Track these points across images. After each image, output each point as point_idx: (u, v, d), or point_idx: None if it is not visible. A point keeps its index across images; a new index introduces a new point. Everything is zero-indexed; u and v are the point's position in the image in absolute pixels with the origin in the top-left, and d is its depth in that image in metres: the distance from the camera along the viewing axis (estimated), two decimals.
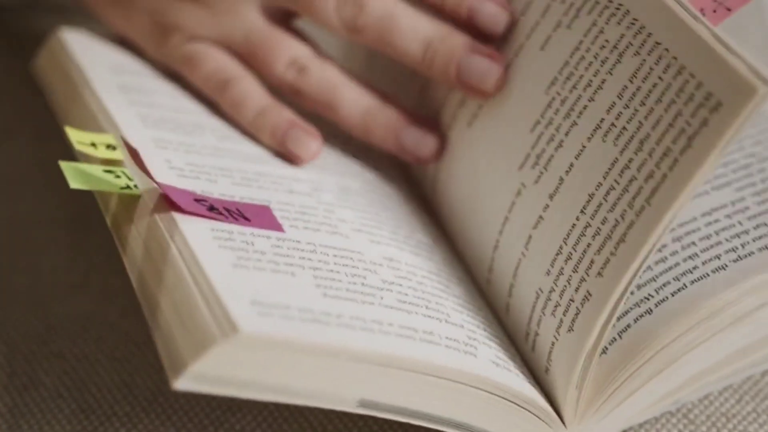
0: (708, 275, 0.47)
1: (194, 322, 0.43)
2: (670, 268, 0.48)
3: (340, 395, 0.44)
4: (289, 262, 0.46)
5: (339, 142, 0.56)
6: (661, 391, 0.48)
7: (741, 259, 0.47)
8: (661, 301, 0.47)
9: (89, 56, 0.55)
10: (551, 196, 0.48)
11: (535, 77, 0.50)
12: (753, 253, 0.47)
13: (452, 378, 0.45)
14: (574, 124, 0.47)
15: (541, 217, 0.48)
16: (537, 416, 0.47)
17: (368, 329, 0.45)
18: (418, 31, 0.53)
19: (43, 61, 0.56)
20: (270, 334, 0.42)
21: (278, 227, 0.48)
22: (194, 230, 0.46)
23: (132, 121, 0.52)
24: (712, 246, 0.48)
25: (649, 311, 0.47)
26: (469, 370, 0.46)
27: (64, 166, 0.46)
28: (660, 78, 0.45)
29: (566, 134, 0.48)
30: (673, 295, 0.47)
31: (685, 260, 0.48)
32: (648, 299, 0.47)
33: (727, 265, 0.47)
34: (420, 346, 0.45)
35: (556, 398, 0.48)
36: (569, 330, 0.46)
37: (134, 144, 0.49)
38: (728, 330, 0.47)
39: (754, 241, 0.48)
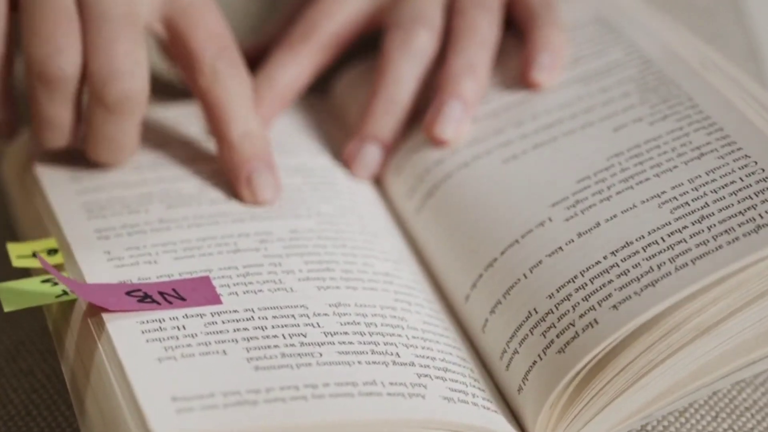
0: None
1: (115, 427, 0.44)
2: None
3: None
4: (221, 339, 0.47)
5: (298, 177, 0.56)
6: (628, 408, 0.48)
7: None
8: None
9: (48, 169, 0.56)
10: (580, 235, 0.50)
11: (598, 148, 0.53)
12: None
13: (396, 428, 0.45)
14: (630, 188, 0.51)
15: (560, 248, 0.50)
16: None
17: (300, 397, 0.45)
18: (249, 120, 0.54)
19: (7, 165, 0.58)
20: None
21: (216, 300, 0.48)
22: (121, 328, 0.47)
23: (76, 214, 0.53)
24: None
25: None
26: (414, 415, 0.46)
27: (2, 289, 0.47)
28: (740, 179, 0.49)
29: (617, 193, 0.51)
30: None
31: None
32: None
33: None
34: (359, 402, 0.45)
35: (525, 419, 0.48)
36: (559, 352, 0.47)
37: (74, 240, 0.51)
38: (693, 344, 0.47)
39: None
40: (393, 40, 0.59)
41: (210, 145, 0.58)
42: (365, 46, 0.62)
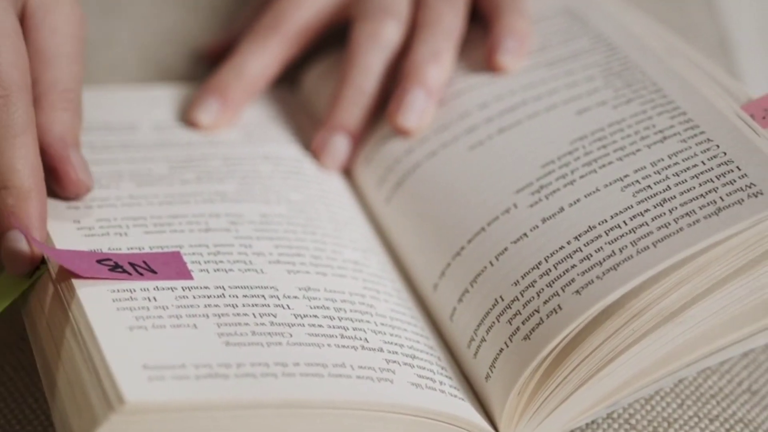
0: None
1: (85, 398, 0.43)
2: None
3: None
4: (192, 314, 0.47)
5: (268, 165, 0.56)
6: (595, 395, 0.48)
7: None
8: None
9: None
10: (544, 220, 0.50)
11: (562, 131, 0.53)
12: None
13: (364, 409, 0.45)
14: (593, 171, 0.51)
15: (525, 234, 0.50)
16: (465, 430, 0.47)
17: (271, 374, 0.45)
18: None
19: None
20: (159, 400, 0.43)
21: (187, 275, 0.48)
22: (92, 295, 0.46)
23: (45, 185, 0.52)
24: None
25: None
26: (382, 399, 0.46)
27: None
28: (702, 162, 0.49)
29: (581, 177, 0.51)
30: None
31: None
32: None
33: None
34: (328, 382, 0.45)
35: (493, 407, 0.48)
36: (525, 338, 0.47)
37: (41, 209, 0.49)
38: (657, 331, 0.47)
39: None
40: (360, 31, 0.59)
41: (180, 129, 0.58)
42: (334, 39, 0.63)
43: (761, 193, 0.47)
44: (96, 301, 0.46)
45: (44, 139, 0.49)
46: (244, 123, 0.59)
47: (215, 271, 0.49)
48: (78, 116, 0.50)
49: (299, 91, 0.63)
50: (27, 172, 0.47)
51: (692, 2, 0.69)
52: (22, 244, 0.47)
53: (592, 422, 0.50)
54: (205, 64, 0.65)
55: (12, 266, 0.48)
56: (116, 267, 0.48)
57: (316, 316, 0.48)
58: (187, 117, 0.58)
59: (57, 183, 0.50)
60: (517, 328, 0.48)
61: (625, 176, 0.50)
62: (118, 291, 0.47)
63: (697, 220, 0.47)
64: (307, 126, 0.61)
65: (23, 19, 0.50)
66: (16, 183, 0.47)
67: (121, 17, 0.68)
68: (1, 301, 0.48)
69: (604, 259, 0.47)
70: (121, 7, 0.68)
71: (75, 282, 0.47)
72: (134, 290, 0.47)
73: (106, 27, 0.67)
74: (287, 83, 0.63)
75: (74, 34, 0.50)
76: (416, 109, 0.57)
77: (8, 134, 0.47)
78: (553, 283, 0.48)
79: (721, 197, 0.47)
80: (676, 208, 0.48)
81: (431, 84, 0.57)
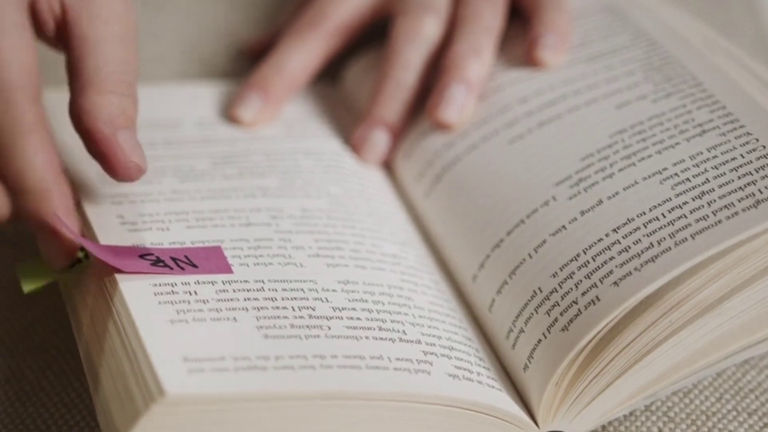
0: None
1: (127, 391, 0.44)
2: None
3: None
4: (232, 307, 0.47)
5: (309, 160, 0.57)
6: (633, 386, 0.48)
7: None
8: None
9: None
10: (583, 213, 0.50)
11: (601, 125, 0.53)
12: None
13: (401, 400, 0.46)
14: (633, 165, 0.51)
15: (564, 227, 0.50)
16: (504, 421, 0.47)
17: (309, 366, 0.45)
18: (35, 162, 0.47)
19: None
20: (199, 392, 0.43)
21: (227, 269, 0.49)
22: (134, 289, 0.47)
23: (90, 181, 0.53)
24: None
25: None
26: (419, 390, 0.46)
27: (21, 269, 0.48)
28: (741, 155, 0.49)
29: (620, 170, 0.51)
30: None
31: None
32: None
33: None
34: (366, 374, 0.46)
35: (531, 398, 0.48)
36: (563, 330, 0.47)
37: (87, 204, 0.51)
38: (695, 322, 0.47)
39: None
40: (400, 26, 0.60)
41: (223, 126, 0.58)
42: (375, 35, 0.63)
43: None
44: (138, 294, 0.47)
45: (92, 124, 0.48)
46: (286, 118, 0.60)
47: (255, 265, 0.50)
48: (130, 98, 0.49)
49: (341, 87, 0.63)
50: (39, 172, 0.46)
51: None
52: (54, 244, 0.47)
53: (630, 414, 0.50)
54: (247, 60, 0.66)
55: (52, 262, 0.48)
56: (158, 261, 0.48)
57: (354, 309, 0.49)
58: (229, 113, 0.59)
59: (107, 167, 0.49)
60: (556, 320, 0.48)
61: (664, 169, 0.50)
62: (160, 285, 0.47)
63: (736, 213, 0.47)
64: (347, 121, 0.61)
65: (64, 12, 0.50)
66: (31, 186, 0.46)
67: (165, 11, 0.69)
68: (36, 280, 0.48)
69: (642, 251, 0.47)
70: (165, 1, 0.69)
71: (117, 276, 0.47)
72: (175, 284, 0.48)
73: (150, 21, 0.68)
74: (329, 79, 0.63)
75: (118, 19, 0.50)
76: (456, 104, 0.57)
77: (12, 137, 0.46)
78: (592, 274, 0.48)
79: (759, 190, 0.48)
80: (715, 200, 0.48)
81: (471, 79, 0.57)
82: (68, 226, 0.47)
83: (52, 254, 0.48)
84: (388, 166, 0.59)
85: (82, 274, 0.49)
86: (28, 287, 0.48)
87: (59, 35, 0.50)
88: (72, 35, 0.49)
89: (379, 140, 0.59)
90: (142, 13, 0.69)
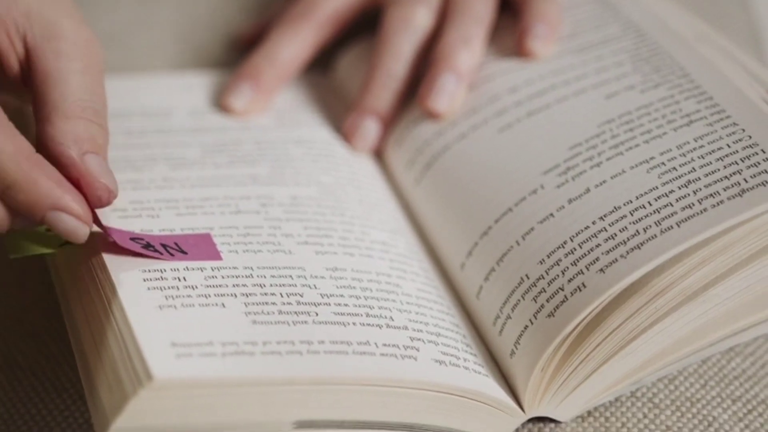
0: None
1: (115, 375, 0.44)
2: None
3: (274, 421, 0.45)
4: (220, 293, 0.47)
5: (300, 148, 0.57)
6: (618, 373, 0.49)
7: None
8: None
9: None
10: (570, 201, 0.50)
11: (590, 115, 0.54)
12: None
13: (388, 385, 0.46)
14: (620, 153, 0.51)
15: (551, 215, 0.50)
16: (490, 406, 0.48)
17: (296, 352, 0.45)
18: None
19: None
20: (187, 377, 0.44)
21: (216, 256, 0.49)
22: (124, 274, 0.47)
23: None
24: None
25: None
26: (405, 375, 0.46)
27: (8, 237, 0.48)
28: (728, 145, 0.50)
29: (608, 159, 0.51)
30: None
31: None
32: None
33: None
34: (352, 359, 0.46)
35: (517, 383, 0.49)
36: (549, 316, 0.48)
37: None
38: (680, 309, 0.48)
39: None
40: (391, 16, 0.60)
41: (214, 115, 0.59)
42: (367, 25, 0.63)
43: None
44: (127, 280, 0.47)
45: (57, 149, 0.47)
46: (277, 108, 0.60)
47: (244, 252, 0.50)
48: (98, 125, 0.49)
49: (332, 76, 0.64)
50: (14, 161, 0.45)
51: None
52: (64, 219, 0.47)
53: (616, 400, 0.50)
54: (240, 50, 0.66)
55: (71, 237, 0.47)
56: (148, 246, 0.49)
57: (342, 296, 0.49)
58: (220, 103, 0.59)
59: (79, 190, 0.48)
60: (542, 306, 0.48)
61: (651, 158, 0.50)
62: (149, 271, 0.48)
63: (721, 201, 0.47)
64: (339, 110, 0.61)
65: (27, 51, 0.49)
66: (14, 177, 0.45)
67: (161, 1, 0.69)
68: (26, 249, 0.48)
69: (628, 239, 0.48)
70: None
71: (108, 261, 0.48)
72: (164, 270, 0.48)
73: (144, 10, 0.68)
74: (320, 68, 0.64)
75: (82, 55, 0.49)
76: (446, 93, 0.57)
77: None
78: (578, 261, 0.48)
79: (745, 179, 0.48)
80: (701, 189, 0.48)
81: (462, 68, 0.58)
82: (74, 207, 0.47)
83: (70, 225, 0.47)
84: (378, 154, 0.60)
85: (71, 259, 0.49)
86: (14, 254, 0.48)
87: (24, 76, 0.50)
88: (37, 72, 0.49)
89: (370, 129, 0.59)
90: (135, 2, 0.69)
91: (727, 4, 0.69)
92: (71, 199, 0.47)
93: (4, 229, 0.47)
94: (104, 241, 0.48)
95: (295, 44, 0.61)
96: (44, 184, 0.46)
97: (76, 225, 0.47)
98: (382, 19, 0.61)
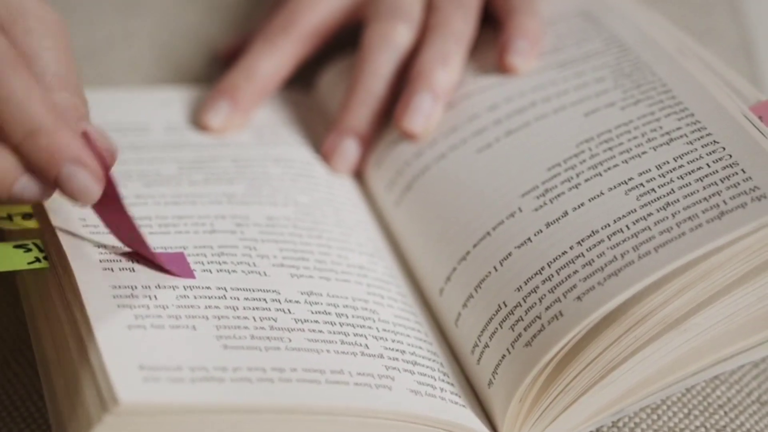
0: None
1: (80, 398, 0.43)
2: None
3: None
4: (191, 314, 0.46)
5: (278, 167, 0.56)
6: (598, 403, 0.47)
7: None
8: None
9: None
10: (548, 225, 0.49)
11: (569, 133, 0.53)
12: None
13: (361, 416, 0.45)
14: (599, 175, 0.50)
15: (529, 239, 0.49)
16: None
17: (267, 379, 0.45)
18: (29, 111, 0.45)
19: None
20: (153, 402, 0.43)
21: (189, 274, 0.48)
22: (93, 289, 0.46)
23: None
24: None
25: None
26: (379, 406, 0.45)
27: None
28: (707, 165, 0.48)
29: (586, 180, 0.50)
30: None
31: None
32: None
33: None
34: (325, 388, 0.45)
35: (495, 414, 0.48)
36: (527, 345, 0.47)
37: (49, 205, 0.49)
38: (660, 339, 0.46)
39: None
40: (372, 33, 0.59)
41: (191, 131, 0.58)
42: (350, 41, 0.62)
43: (765, 197, 0.46)
44: (96, 296, 0.46)
45: None
46: (256, 125, 0.59)
47: (218, 271, 0.49)
48: (79, 97, 0.48)
49: (314, 94, 0.63)
50: (40, 108, 0.45)
51: (716, 6, 0.68)
52: (80, 175, 0.45)
53: (597, 430, 0.49)
54: (221, 65, 0.65)
55: (82, 197, 0.46)
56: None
57: (316, 322, 0.48)
58: (197, 119, 0.58)
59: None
60: (519, 335, 0.47)
61: (630, 179, 0.49)
62: (119, 288, 0.47)
63: (700, 225, 0.46)
64: (320, 128, 0.60)
65: None
66: (39, 122, 0.44)
67: (141, 15, 0.68)
68: None
69: (605, 265, 0.46)
70: (141, 5, 0.69)
71: (77, 275, 0.46)
72: (135, 287, 0.47)
73: (125, 25, 0.67)
74: (301, 85, 0.63)
75: (53, 33, 0.49)
76: (422, 113, 0.56)
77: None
78: (555, 288, 0.47)
79: (724, 201, 0.47)
80: (679, 212, 0.47)
81: (438, 87, 0.56)
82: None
83: (85, 182, 0.45)
84: (359, 174, 0.59)
85: (40, 278, 0.48)
86: None
87: None
88: None
89: (350, 149, 0.58)
90: (114, 17, 0.68)
91: (718, 17, 0.68)
92: (88, 155, 0.45)
93: (9, 190, 0.45)
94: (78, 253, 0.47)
95: (274, 59, 0.59)
96: (68, 132, 0.45)
97: (90, 182, 0.45)
98: (363, 35, 0.59)
